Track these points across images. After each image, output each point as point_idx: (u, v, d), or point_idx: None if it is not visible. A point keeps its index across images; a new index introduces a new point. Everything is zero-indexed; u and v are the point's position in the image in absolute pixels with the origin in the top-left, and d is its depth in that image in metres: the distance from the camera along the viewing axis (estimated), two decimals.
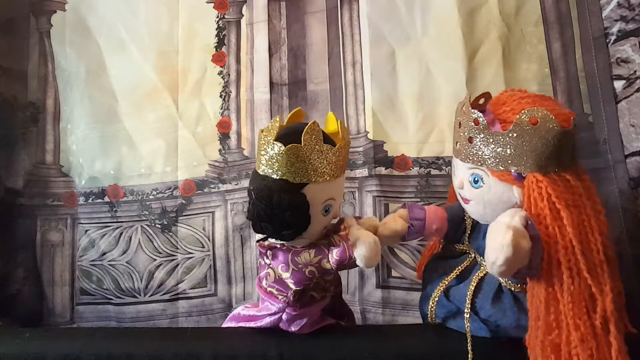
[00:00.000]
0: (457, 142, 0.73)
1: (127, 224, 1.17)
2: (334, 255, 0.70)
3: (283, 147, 0.66)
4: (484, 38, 1.11)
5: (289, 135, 0.68)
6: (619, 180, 1.02)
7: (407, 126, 1.13)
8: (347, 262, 0.70)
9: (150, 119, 1.18)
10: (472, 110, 0.69)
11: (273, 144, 0.67)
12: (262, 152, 0.69)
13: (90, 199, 1.18)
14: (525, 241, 0.63)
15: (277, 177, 0.68)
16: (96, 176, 1.18)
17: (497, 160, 0.67)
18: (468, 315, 0.74)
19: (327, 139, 0.70)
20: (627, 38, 1.04)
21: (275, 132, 0.68)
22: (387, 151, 1.13)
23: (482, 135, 0.68)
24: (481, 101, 0.73)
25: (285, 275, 0.72)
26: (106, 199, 1.17)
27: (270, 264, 0.75)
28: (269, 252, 0.74)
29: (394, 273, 1.11)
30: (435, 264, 0.84)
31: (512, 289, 0.72)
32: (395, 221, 0.80)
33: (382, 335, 0.81)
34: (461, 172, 0.73)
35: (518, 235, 0.63)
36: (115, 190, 1.17)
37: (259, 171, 0.70)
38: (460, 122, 0.72)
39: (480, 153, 0.68)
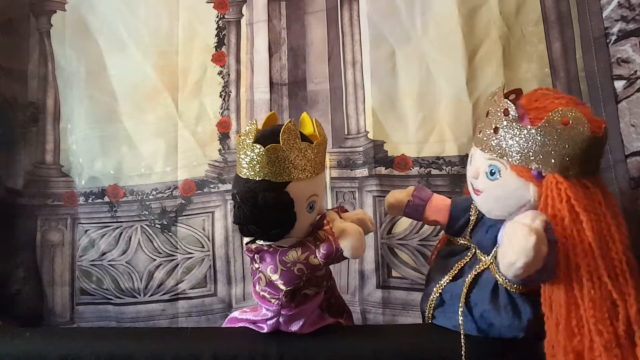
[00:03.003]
0: (480, 132, 0.73)
1: (127, 224, 1.17)
2: (321, 249, 0.71)
3: (263, 149, 0.68)
4: (484, 38, 1.11)
5: (268, 137, 0.69)
6: (619, 180, 1.02)
7: (407, 126, 1.13)
8: (335, 255, 0.71)
9: (150, 119, 1.18)
10: (505, 100, 0.67)
11: (252, 146, 0.68)
12: (243, 156, 0.70)
13: (90, 199, 1.18)
14: (544, 246, 0.62)
15: (260, 179, 0.69)
16: (96, 176, 1.18)
17: (520, 154, 0.66)
18: (462, 310, 0.73)
19: (305, 138, 0.71)
20: (628, 38, 1.04)
21: (253, 134, 0.69)
22: (387, 151, 1.13)
23: (509, 127, 0.67)
24: (511, 97, 0.72)
25: (275, 277, 0.73)
26: (106, 199, 1.17)
27: (259, 268, 0.76)
28: (256, 256, 0.75)
29: (394, 273, 1.11)
30: (439, 262, 0.84)
31: (508, 288, 0.71)
32: (401, 192, 0.85)
33: (382, 335, 0.81)
34: (479, 162, 0.72)
35: (540, 240, 0.61)
36: (115, 190, 1.17)
37: (240, 175, 0.71)
38: (488, 111, 0.71)
39: (503, 145, 0.67)
